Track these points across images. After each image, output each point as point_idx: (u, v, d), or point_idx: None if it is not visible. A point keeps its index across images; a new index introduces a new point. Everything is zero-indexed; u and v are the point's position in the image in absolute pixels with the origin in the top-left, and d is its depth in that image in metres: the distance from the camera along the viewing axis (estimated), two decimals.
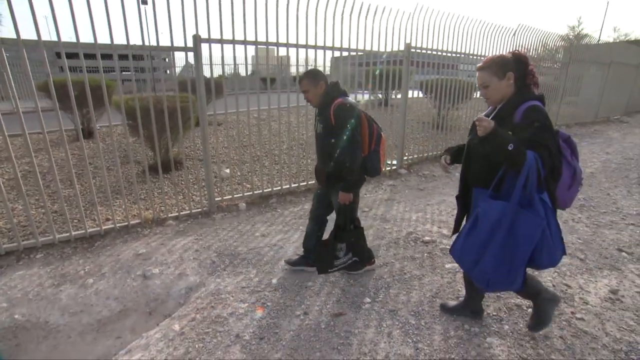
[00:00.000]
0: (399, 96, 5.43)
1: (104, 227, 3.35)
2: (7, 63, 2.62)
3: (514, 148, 1.41)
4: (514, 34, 6.40)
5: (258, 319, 2.20)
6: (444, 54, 5.55)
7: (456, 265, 2.81)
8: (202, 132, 3.59)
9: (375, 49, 4.66)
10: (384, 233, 3.43)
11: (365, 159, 2.22)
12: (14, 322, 2.37)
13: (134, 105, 3.39)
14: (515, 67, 1.59)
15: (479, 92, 8.03)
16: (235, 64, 3.48)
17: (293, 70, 5.09)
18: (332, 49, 4.21)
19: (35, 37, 2.69)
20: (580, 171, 1.63)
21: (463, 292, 2.45)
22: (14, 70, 2.69)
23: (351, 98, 2.25)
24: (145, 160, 3.54)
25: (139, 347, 2.08)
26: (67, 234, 3.21)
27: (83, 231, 3.27)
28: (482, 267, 1.56)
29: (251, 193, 4.18)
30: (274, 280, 2.63)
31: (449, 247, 3.13)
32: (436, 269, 2.80)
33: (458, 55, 5.72)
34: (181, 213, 3.71)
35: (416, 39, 5.10)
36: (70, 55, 2.88)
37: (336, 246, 2.40)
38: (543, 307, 1.88)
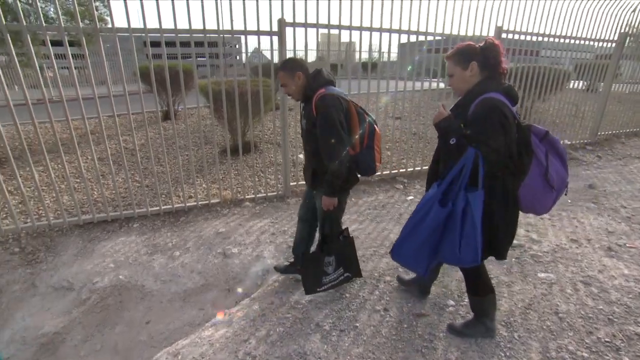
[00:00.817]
0: None
1: (187, 204, 3.59)
2: (119, 51, 2.87)
3: (455, 143, 1.44)
4: (634, 10, 5.45)
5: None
6: (541, 38, 4.92)
7: (551, 275, 2.52)
8: (282, 117, 3.64)
9: (462, 33, 4.29)
10: None
11: (358, 156, 1.91)
12: (119, 282, 2.66)
13: (217, 89, 3.54)
14: (482, 56, 1.51)
15: (573, 82, 6.99)
16: (318, 49, 3.44)
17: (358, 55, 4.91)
18: (416, 33, 3.95)
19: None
20: (560, 173, 1.54)
21: (562, 306, 2.18)
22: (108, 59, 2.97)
23: (338, 88, 1.95)
24: (225, 142, 3.70)
25: (222, 322, 2.19)
26: (157, 208, 3.50)
27: (170, 206, 3.54)
28: (398, 239, 1.66)
29: None
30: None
31: (539, 253, 2.84)
32: (527, 277, 2.52)
33: (556, 39, 5.03)
34: (257, 195, 3.84)
35: (509, 22, 4.58)
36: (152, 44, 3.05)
37: (323, 260, 2.09)
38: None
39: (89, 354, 2.47)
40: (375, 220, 3.48)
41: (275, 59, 3.43)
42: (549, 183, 1.49)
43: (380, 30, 3.72)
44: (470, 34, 4.34)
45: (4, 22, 2.50)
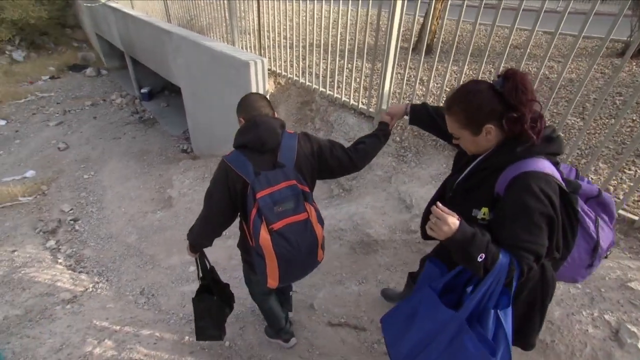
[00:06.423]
0: None
1: None
2: None
3: (484, 259, 0.94)
4: None
5: None
6: None
7: None
8: None
9: None
10: None
11: (251, 253, 1.35)
12: None
13: None
14: (500, 112, 0.98)
15: None
16: None
17: None
18: None
19: None
20: (608, 238, 1.14)
21: None
22: None
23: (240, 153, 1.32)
24: None
25: None
26: None
27: None
28: None
29: None
30: None
31: None
32: None
33: None
34: None
35: None
36: None
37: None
38: None
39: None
40: None
41: None
42: (597, 257, 1.14)
43: None
44: None
45: None
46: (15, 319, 2.35)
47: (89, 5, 7.84)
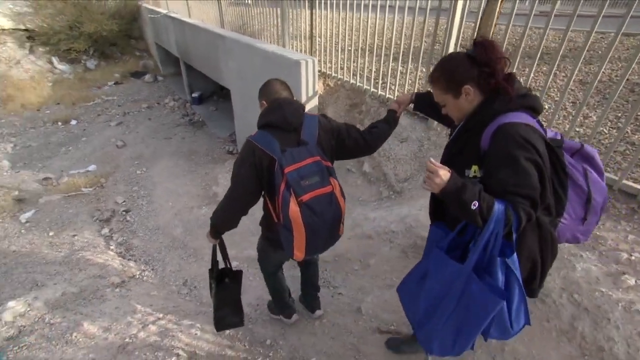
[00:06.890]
0: None
1: None
2: None
3: (479, 207, 0.98)
4: None
5: None
6: None
7: None
8: None
9: None
10: None
11: (278, 229, 1.41)
12: None
13: None
14: (476, 73, 1.08)
15: None
16: None
17: None
18: None
19: None
20: (602, 190, 1.14)
21: None
22: None
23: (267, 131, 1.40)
24: None
25: None
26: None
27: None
28: (428, 333, 1.24)
29: None
30: None
31: None
32: None
33: None
34: None
35: None
36: None
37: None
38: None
39: None
40: None
41: None
42: (593, 210, 1.14)
43: None
44: None
45: None
46: (72, 296, 2.45)
47: (153, 16, 8.46)
